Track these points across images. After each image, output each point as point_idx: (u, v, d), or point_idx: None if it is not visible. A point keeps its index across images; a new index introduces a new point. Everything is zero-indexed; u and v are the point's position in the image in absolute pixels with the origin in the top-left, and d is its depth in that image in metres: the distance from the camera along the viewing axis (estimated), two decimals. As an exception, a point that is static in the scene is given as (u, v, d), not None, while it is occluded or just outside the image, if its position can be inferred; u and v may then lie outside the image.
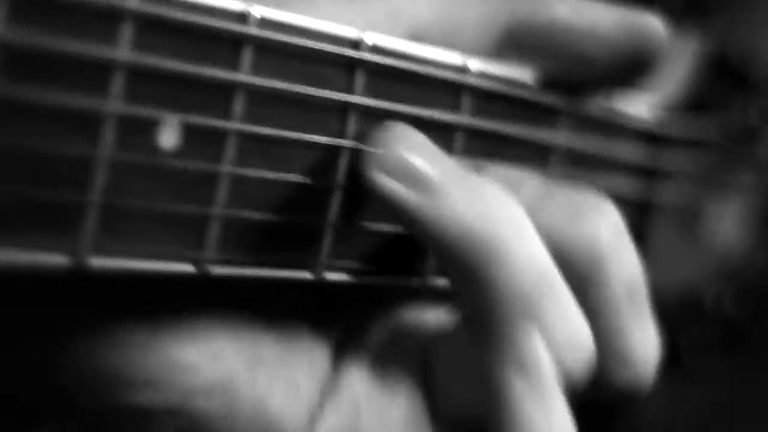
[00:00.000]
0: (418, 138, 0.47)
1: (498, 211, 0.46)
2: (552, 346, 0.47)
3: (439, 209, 0.46)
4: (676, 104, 0.66)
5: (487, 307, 0.46)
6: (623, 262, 0.51)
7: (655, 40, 0.55)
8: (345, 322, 0.51)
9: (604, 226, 0.51)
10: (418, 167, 0.46)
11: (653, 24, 0.55)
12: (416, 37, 0.51)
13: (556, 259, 0.48)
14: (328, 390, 0.49)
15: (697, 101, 0.68)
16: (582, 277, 0.50)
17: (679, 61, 0.68)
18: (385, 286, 0.50)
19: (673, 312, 0.70)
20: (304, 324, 0.49)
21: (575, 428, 0.47)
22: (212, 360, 0.46)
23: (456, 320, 0.50)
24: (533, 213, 0.48)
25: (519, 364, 0.46)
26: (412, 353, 0.50)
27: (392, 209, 0.46)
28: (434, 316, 0.52)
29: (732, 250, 0.75)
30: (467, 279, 0.46)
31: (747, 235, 0.77)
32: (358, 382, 0.49)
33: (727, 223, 0.74)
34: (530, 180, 0.51)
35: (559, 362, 0.47)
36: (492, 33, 0.53)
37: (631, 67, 0.55)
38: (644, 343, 0.53)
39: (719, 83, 0.70)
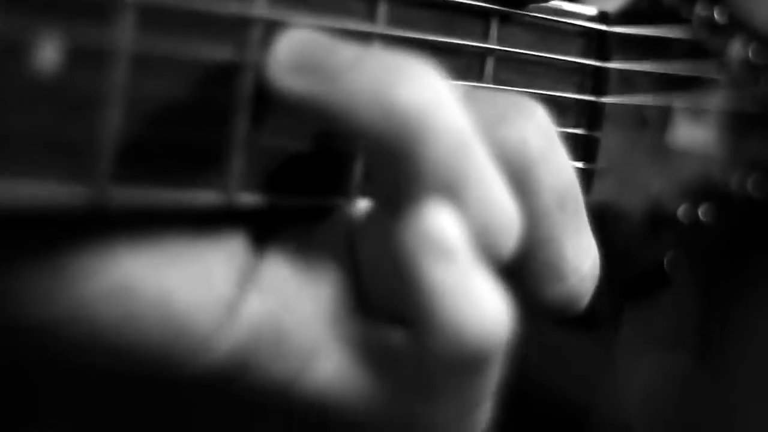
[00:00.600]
0: (313, 35, 0.45)
1: (413, 82, 0.44)
2: (470, 219, 0.45)
3: (344, 90, 0.44)
4: (632, 7, 0.63)
5: (402, 183, 0.44)
6: (553, 169, 0.49)
7: None
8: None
9: (531, 130, 0.49)
10: (315, 54, 0.44)
11: None
12: None
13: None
14: (249, 279, 0.47)
15: (652, 7, 0.65)
16: (512, 182, 0.47)
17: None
18: (306, 208, 0.48)
19: (643, 229, 0.69)
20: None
21: (502, 300, 0.45)
22: (108, 264, 0.44)
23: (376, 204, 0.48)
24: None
25: (426, 239, 0.44)
26: (337, 241, 0.48)
27: (298, 108, 0.44)
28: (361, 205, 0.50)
29: (702, 159, 0.73)
30: (384, 157, 0.45)
31: (718, 142, 0.74)
32: (281, 269, 0.47)
33: (697, 132, 0.72)
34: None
35: (479, 236, 0.45)
36: None
37: None
38: (578, 253, 0.51)
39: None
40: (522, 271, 0.50)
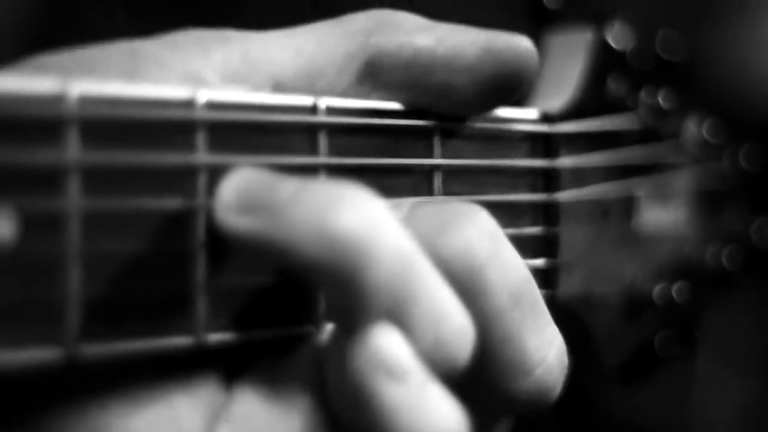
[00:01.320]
0: (253, 171, 0.47)
1: (350, 210, 0.45)
2: (419, 336, 0.46)
3: (285, 224, 0.45)
4: (576, 104, 0.65)
5: (349, 309, 0.46)
6: (502, 268, 0.50)
7: (523, 62, 0.54)
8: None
9: (475, 234, 0.50)
10: (257, 193, 0.46)
11: (521, 45, 0.55)
12: (278, 83, 0.51)
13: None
14: (219, 415, 0.48)
15: (597, 101, 0.67)
16: (462, 289, 0.49)
17: (573, 60, 0.67)
18: (276, 340, 0.50)
19: (623, 315, 0.70)
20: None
21: (458, 416, 0.46)
22: (79, 418, 0.46)
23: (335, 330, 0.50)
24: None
25: (374, 362, 0.45)
26: (306, 370, 0.49)
27: (248, 246, 0.46)
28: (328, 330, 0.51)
29: (673, 240, 0.74)
30: (331, 286, 0.46)
31: (687, 223, 0.76)
32: (251, 403, 0.48)
33: (664, 214, 0.73)
34: (396, 205, 0.50)
35: (430, 351, 0.46)
36: (353, 69, 0.53)
37: (500, 92, 0.54)
38: (540, 346, 0.52)
39: (624, 80, 0.70)
40: (486, 372, 0.51)
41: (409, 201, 0.52)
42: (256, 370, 0.50)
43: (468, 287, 0.49)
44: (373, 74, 0.53)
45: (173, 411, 0.48)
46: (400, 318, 0.46)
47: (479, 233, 0.50)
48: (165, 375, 0.48)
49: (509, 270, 0.51)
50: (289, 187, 0.46)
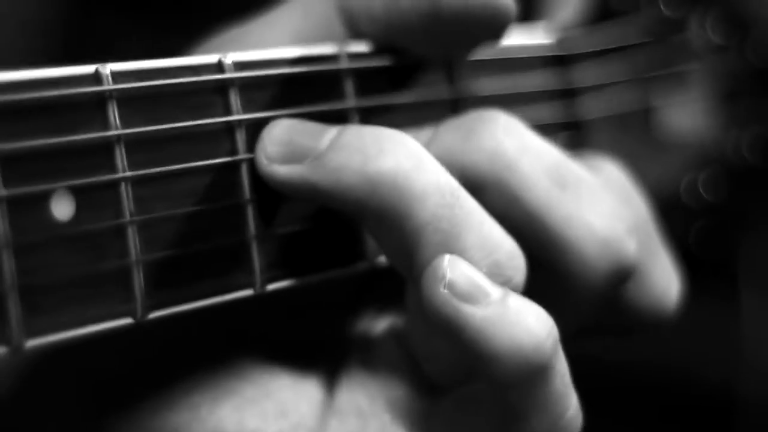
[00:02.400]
0: (292, 122, 0.49)
1: (390, 153, 0.47)
2: (479, 260, 0.47)
3: (329, 170, 0.47)
4: (581, 20, 0.66)
5: (405, 246, 0.48)
6: (534, 155, 0.51)
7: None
8: (326, 350, 0.53)
9: (500, 131, 0.51)
10: (298, 142, 0.48)
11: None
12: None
13: (469, 183, 0.49)
14: (327, 407, 0.51)
15: (605, 13, 0.69)
16: (503, 189, 0.50)
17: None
18: (334, 280, 0.52)
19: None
20: (285, 364, 0.52)
21: (545, 319, 0.48)
22: (194, 423, 0.50)
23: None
24: (428, 149, 0.49)
25: (454, 293, 0.46)
26: (392, 348, 0.52)
27: (296, 193, 0.48)
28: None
29: (694, 138, 0.75)
30: (379, 225, 0.48)
31: (706, 120, 0.77)
32: (353, 391, 0.51)
33: (683, 115, 0.74)
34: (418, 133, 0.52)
35: (493, 274, 0.48)
36: (338, 26, 0.54)
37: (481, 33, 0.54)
38: (605, 215, 0.52)
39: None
40: (560, 264, 0.52)
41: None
42: (350, 362, 0.52)
43: (507, 184, 0.50)
44: (352, 26, 0.54)
45: (281, 405, 0.51)
46: (455, 249, 0.47)
47: (503, 130, 0.51)
48: (270, 374, 0.51)
49: (544, 156, 0.51)
50: (329, 133, 0.48)
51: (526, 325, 0.47)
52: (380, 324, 0.53)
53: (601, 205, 0.52)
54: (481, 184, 0.50)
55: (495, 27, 0.52)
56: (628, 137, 0.68)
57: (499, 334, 0.47)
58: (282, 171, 0.48)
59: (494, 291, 0.47)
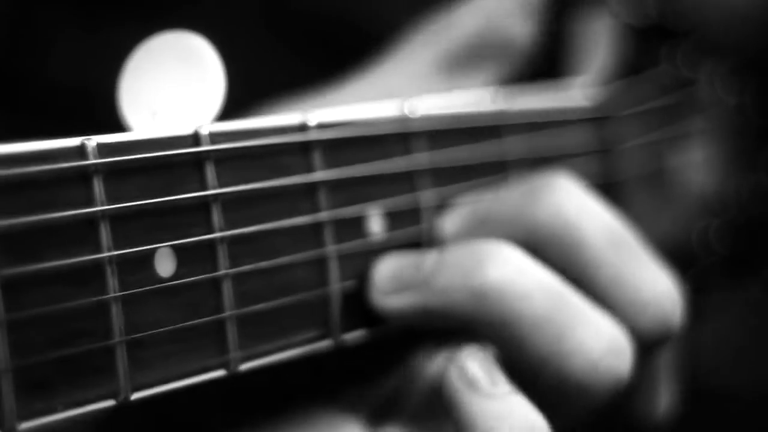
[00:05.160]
0: (398, 259, 0.52)
1: (494, 265, 0.50)
2: (587, 353, 0.50)
3: (437, 293, 0.50)
4: (609, 77, 0.69)
5: (519, 350, 0.51)
6: (592, 216, 0.53)
7: None
8: (374, 392, 0.55)
9: (563, 194, 0.53)
10: (405, 272, 0.51)
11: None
12: None
13: (531, 241, 0.52)
14: None
15: (627, 68, 0.71)
16: (564, 250, 0.53)
17: (599, 38, 0.71)
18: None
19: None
20: (330, 405, 0.54)
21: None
22: None
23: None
24: (488, 217, 0.53)
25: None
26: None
27: (410, 319, 0.51)
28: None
29: (705, 191, 0.78)
30: (497, 334, 0.50)
31: (716, 173, 0.80)
32: None
33: (694, 169, 0.77)
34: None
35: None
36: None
37: None
38: (649, 280, 0.54)
39: (642, 45, 0.74)
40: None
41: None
42: (398, 411, 0.54)
43: (567, 243, 0.53)
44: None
45: None
46: (563, 342, 0.50)
47: (566, 193, 0.53)
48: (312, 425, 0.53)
49: (601, 218, 0.54)
50: (430, 258, 0.51)
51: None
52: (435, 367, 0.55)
53: (649, 268, 0.55)
54: (543, 243, 0.53)
55: None
56: (645, 194, 0.70)
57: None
58: (394, 301, 0.51)
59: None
